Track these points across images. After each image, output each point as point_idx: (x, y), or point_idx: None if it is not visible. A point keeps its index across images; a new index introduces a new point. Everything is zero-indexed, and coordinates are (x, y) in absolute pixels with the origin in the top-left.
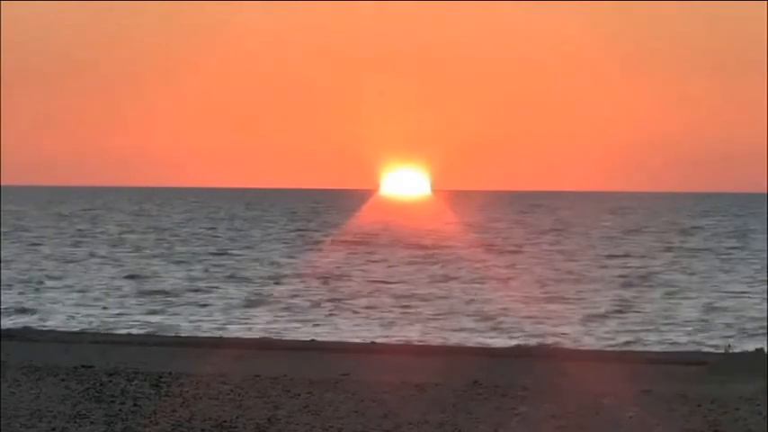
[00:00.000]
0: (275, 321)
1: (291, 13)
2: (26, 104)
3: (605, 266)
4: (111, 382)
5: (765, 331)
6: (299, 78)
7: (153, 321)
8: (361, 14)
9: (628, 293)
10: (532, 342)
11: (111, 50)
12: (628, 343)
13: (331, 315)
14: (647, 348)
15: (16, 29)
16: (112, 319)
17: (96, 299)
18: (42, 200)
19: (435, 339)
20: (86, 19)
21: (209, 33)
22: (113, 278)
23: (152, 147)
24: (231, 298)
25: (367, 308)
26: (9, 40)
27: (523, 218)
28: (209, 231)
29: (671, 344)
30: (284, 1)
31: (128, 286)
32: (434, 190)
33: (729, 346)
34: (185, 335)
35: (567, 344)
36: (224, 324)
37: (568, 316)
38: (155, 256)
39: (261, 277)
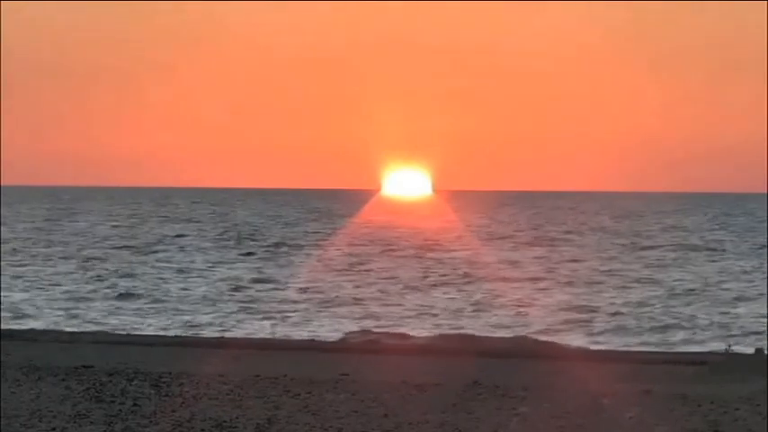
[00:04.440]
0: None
1: (292, 12)
2: (26, 104)
3: (608, 266)
4: (111, 382)
5: (765, 331)
6: (299, 78)
7: None
8: (363, 14)
9: (629, 292)
10: (532, 342)
11: (111, 50)
12: (628, 343)
13: (332, 315)
14: (647, 348)
15: (16, 29)
16: None
17: None
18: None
19: (436, 339)
20: (86, 19)
21: (209, 33)
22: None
23: (152, 147)
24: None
25: (367, 307)
26: (9, 40)
27: (523, 217)
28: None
29: (671, 344)
30: (285, 0)
31: None
32: (436, 190)
33: (729, 346)
34: (185, 335)
35: (567, 344)
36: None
37: (569, 315)
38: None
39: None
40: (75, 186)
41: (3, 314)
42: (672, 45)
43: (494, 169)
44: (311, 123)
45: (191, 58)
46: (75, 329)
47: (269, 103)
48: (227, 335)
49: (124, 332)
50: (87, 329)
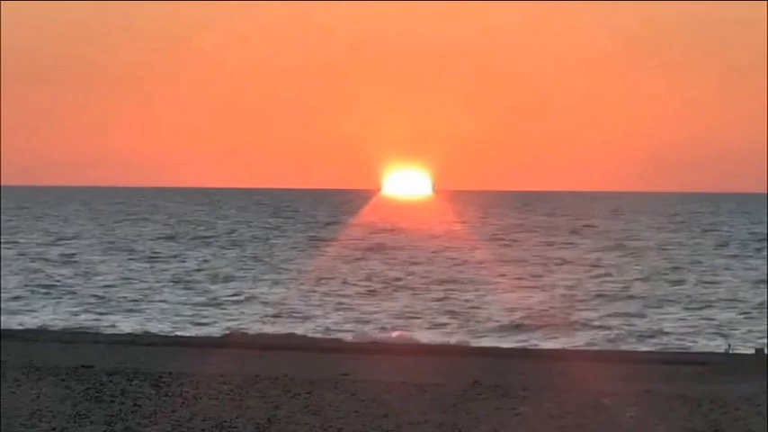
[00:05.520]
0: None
1: (293, 12)
2: (26, 104)
3: (608, 266)
4: (111, 382)
5: (765, 331)
6: (299, 78)
7: None
8: (363, 14)
9: (628, 293)
10: (531, 342)
11: (111, 50)
12: (628, 343)
13: (333, 314)
14: (647, 348)
15: (16, 29)
16: None
17: None
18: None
19: (436, 340)
20: (86, 19)
21: (209, 33)
22: None
23: (152, 147)
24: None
25: (368, 307)
26: (9, 40)
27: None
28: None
29: (671, 344)
30: (285, 0)
31: None
32: (436, 190)
33: (729, 346)
34: (185, 335)
35: (566, 344)
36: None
37: (568, 316)
38: None
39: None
40: (74, 186)
41: None
42: (675, 46)
43: (495, 169)
44: (311, 123)
45: (190, 58)
46: (75, 329)
47: (270, 104)
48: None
49: (125, 333)
50: (87, 330)
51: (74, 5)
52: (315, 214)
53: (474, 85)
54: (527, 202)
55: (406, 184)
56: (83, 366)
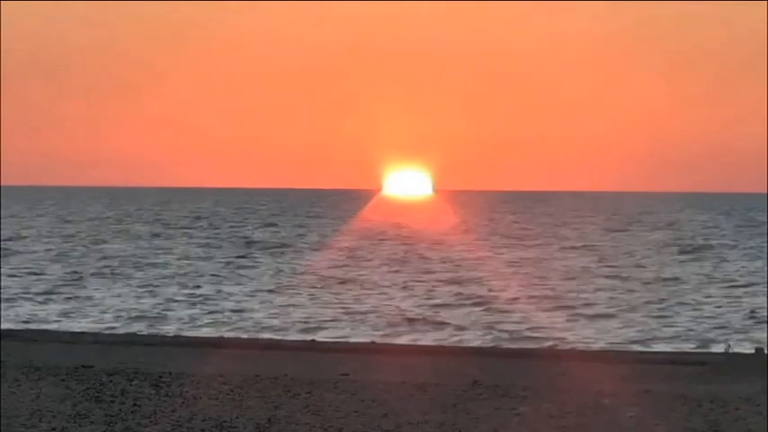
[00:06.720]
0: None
1: (293, 13)
2: (26, 104)
3: (606, 266)
4: (111, 382)
5: (765, 331)
6: (300, 78)
7: None
8: (364, 14)
9: (628, 292)
10: (532, 342)
11: (110, 51)
12: (628, 343)
13: (332, 315)
14: (647, 348)
15: (16, 29)
16: None
17: None
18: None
19: (435, 340)
20: (86, 19)
21: (209, 33)
22: None
23: (152, 147)
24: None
25: (368, 307)
26: (9, 40)
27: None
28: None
29: (671, 344)
30: (285, 1)
31: None
32: (436, 190)
33: (729, 346)
34: (185, 335)
35: (568, 344)
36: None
37: (569, 315)
38: None
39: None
40: (74, 186)
41: None
42: (675, 46)
43: (495, 169)
44: (312, 123)
45: (190, 59)
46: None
47: (271, 105)
48: None
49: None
50: (87, 329)
51: (74, 5)
52: (307, 212)
53: (474, 85)
54: (527, 202)
55: (407, 184)
56: (83, 366)
